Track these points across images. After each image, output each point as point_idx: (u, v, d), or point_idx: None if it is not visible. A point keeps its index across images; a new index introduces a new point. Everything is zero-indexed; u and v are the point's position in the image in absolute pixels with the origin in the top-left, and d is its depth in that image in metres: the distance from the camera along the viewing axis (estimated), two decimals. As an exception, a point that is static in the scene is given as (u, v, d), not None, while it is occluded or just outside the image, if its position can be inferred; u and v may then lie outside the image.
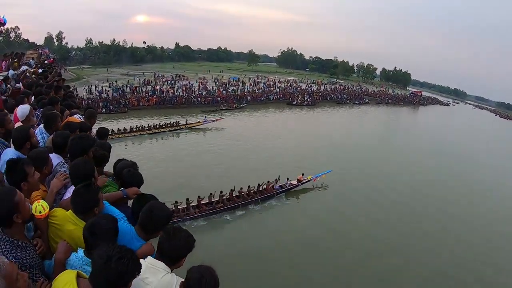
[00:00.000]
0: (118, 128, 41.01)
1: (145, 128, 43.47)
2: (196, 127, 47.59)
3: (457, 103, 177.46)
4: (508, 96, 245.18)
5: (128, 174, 4.11)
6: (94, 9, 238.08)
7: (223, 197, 25.50)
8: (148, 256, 2.85)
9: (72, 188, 3.45)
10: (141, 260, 2.65)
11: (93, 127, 6.93)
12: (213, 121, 49.32)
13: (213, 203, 24.84)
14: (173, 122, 46.25)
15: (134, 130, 42.25)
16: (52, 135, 4.73)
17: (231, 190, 26.25)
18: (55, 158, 4.17)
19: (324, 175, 31.19)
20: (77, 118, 6.71)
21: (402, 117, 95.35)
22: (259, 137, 46.40)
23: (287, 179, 29.82)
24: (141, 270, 2.54)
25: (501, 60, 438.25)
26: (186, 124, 47.03)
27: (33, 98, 7.91)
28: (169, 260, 2.79)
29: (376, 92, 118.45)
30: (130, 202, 3.88)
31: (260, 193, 27.49)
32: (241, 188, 26.77)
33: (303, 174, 30.57)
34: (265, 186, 28.23)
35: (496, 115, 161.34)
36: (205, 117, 49.92)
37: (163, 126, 45.09)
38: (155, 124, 44.74)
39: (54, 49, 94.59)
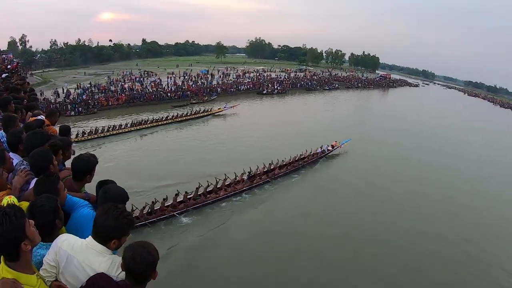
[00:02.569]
0: (151, 119, 46.27)
1: (176, 116, 48.68)
2: (218, 113, 53.44)
3: (426, 84, 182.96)
4: (475, 75, 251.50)
5: (73, 161, 4.16)
6: (57, 9, 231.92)
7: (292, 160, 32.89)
8: (89, 237, 2.79)
9: (35, 181, 3.57)
10: (81, 240, 2.78)
11: (56, 125, 7.23)
12: (231, 107, 55.55)
13: (285, 165, 31.91)
14: (200, 110, 52.67)
15: (170, 118, 47.85)
16: None
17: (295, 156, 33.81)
18: (13, 158, 4.33)
19: (346, 143, 38.62)
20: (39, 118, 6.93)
21: (372, 100, 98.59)
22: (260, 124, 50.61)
23: (327, 145, 37.34)
24: (81, 251, 2.68)
25: (468, 41, 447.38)
26: (211, 111, 53.05)
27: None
28: (102, 239, 2.73)
29: (346, 77, 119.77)
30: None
31: (312, 157, 35.01)
32: (301, 155, 34.34)
33: (336, 141, 38.22)
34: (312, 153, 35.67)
35: (464, 93, 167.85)
36: (226, 104, 56.15)
37: (191, 114, 50.74)
38: (185, 113, 50.46)
39: (18, 54, 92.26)
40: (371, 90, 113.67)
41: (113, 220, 2.69)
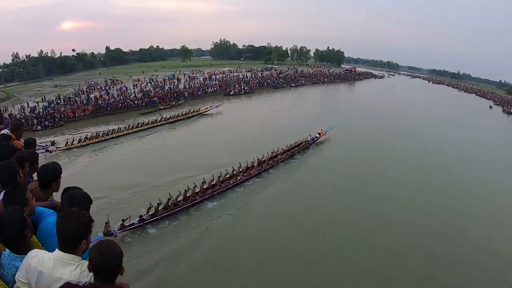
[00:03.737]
0: (147, 121, 50.17)
1: (169, 118, 52.62)
2: (206, 112, 57.84)
3: (392, 75, 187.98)
4: (438, 63, 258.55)
5: (38, 170, 4.36)
6: (16, 21, 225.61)
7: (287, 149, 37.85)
8: (56, 250, 2.84)
9: (3, 192, 3.64)
10: (49, 254, 2.84)
11: (21, 139, 7.54)
12: (216, 106, 59.85)
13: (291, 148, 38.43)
14: (189, 111, 56.76)
15: (165, 119, 51.99)
16: None
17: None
18: None
19: (330, 131, 44.96)
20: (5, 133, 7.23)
21: (339, 93, 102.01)
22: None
23: (315, 133, 43.01)
24: (49, 265, 2.75)
25: (429, 30, 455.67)
26: (199, 111, 57.17)
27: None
28: (71, 245, 2.80)
29: (312, 73, 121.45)
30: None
31: (304, 143, 40.60)
32: (295, 142, 39.66)
33: (322, 129, 44.12)
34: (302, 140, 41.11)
35: (429, 81, 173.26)
36: (212, 104, 60.66)
37: (183, 114, 54.88)
38: (175, 114, 54.28)
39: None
40: (337, 84, 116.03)
41: (75, 222, 2.79)
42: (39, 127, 48.58)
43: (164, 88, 73.09)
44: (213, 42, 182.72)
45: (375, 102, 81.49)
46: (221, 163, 31.99)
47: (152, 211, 23.17)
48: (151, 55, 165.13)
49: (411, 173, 35.57)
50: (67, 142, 39.81)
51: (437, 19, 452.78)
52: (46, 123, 49.96)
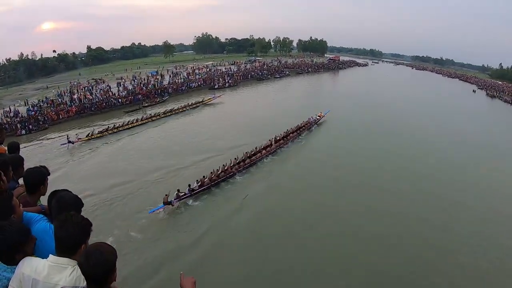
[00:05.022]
0: (152, 114, 53.47)
1: (176, 109, 56.66)
2: (209, 103, 62.30)
3: (376, 62, 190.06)
4: (421, 49, 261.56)
5: (25, 174, 4.27)
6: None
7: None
8: (50, 256, 2.76)
9: None
10: (43, 260, 2.75)
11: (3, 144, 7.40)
12: (218, 96, 64.01)
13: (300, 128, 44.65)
14: (195, 102, 60.97)
15: (174, 110, 56.01)
16: None
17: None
18: None
19: (327, 114, 51.44)
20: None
21: (323, 83, 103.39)
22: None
23: (316, 115, 49.34)
24: (44, 272, 2.67)
25: (411, 17, 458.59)
26: (203, 101, 61.96)
27: None
28: (68, 250, 2.72)
29: (296, 63, 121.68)
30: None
31: (309, 124, 47.03)
32: (300, 124, 45.70)
33: (321, 112, 50.48)
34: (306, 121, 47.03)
35: (412, 68, 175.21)
36: (214, 95, 64.43)
37: (189, 105, 59.01)
38: (182, 106, 58.35)
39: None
40: (321, 73, 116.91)
41: (76, 226, 2.72)
42: (23, 131, 47.80)
43: (148, 85, 72.50)
44: (195, 36, 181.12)
45: (361, 89, 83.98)
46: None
47: (199, 183, 27.26)
48: (133, 53, 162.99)
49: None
50: (87, 134, 43.15)
51: (419, 6, 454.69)
52: (30, 126, 49.17)
